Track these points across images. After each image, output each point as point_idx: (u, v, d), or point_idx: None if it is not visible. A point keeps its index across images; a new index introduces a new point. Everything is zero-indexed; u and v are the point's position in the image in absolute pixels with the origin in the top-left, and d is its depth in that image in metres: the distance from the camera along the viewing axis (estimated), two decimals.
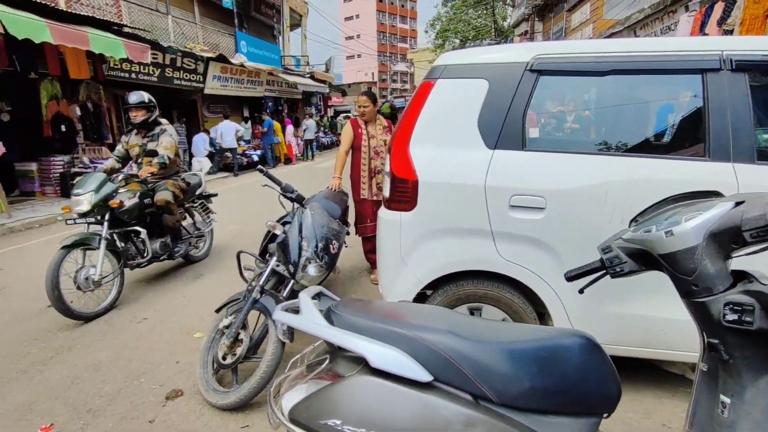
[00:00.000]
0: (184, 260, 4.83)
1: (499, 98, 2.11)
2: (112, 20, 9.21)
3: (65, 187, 8.69)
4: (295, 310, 1.49)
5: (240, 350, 2.44)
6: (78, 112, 9.30)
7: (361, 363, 1.24)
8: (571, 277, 1.45)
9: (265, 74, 15.79)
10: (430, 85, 2.22)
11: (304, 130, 16.91)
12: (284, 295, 2.67)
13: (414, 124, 2.25)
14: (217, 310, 2.74)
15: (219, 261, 5.01)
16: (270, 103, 17.47)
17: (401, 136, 2.27)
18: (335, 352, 1.31)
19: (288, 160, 15.98)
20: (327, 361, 1.29)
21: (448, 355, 1.17)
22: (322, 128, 22.26)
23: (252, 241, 5.67)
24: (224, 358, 2.47)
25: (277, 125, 14.81)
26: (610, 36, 12.47)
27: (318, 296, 1.49)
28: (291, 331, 2.42)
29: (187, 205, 4.74)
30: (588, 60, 2.05)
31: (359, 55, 59.18)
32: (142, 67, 10.03)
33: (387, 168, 2.35)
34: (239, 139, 13.15)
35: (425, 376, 1.15)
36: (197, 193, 4.83)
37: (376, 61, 61.81)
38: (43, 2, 7.13)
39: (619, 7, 12.81)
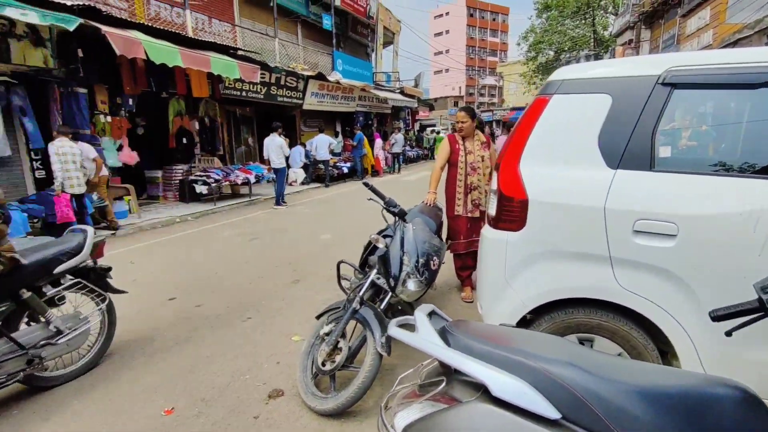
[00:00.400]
0: (26, 385, 2.79)
1: (624, 114, 1.96)
2: (229, 45, 10.24)
3: (183, 193, 9.78)
4: (403, 324, 1.50)
5: (339, 358, 2.51)
6: (197, 126, 10.46)
7: (480, 390, 1.20)
8: (718, 317, 1.29)
9: (358, 90, 16.45)
10: (545, 100, 2.14)
11: (393, 144, 17.27)
12: (381, 307, 2.71)
13: (525, 141, 2.17)
14: (318, 317, 2.86)
15: (314, 266, 5.24)
16: (361, 118, 18.14)
17: (511, 154, 2.20)
18: (451, 374, 1.29)
19: (375, 173, 16.40)
20: (443, 384, 1.26)
21: (578, 392, 1.08)
22: (408, 142, 22.58)
23: (343, 251, 5.88)
24: (323, 365, 2.55)
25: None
26: (735, 43, 11.11)
27: (430, 315, 1.48)
28: (389, 345, 2.45)
29: (26, 297, 2.68)
30: (735, 71, 1.82)
31: (447, 70, 59.34)
32: (251, 85, 11.01)
33: (494, 186, 2.29)
34: (331, 151, 13.82)
35: (553, 413, 1.07)
36: (65, 268, 2.84)
37: (464, 76, 61.49)
38: (176, 31, 8.16)
39: (748, 10, 11.38)
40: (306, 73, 13.01)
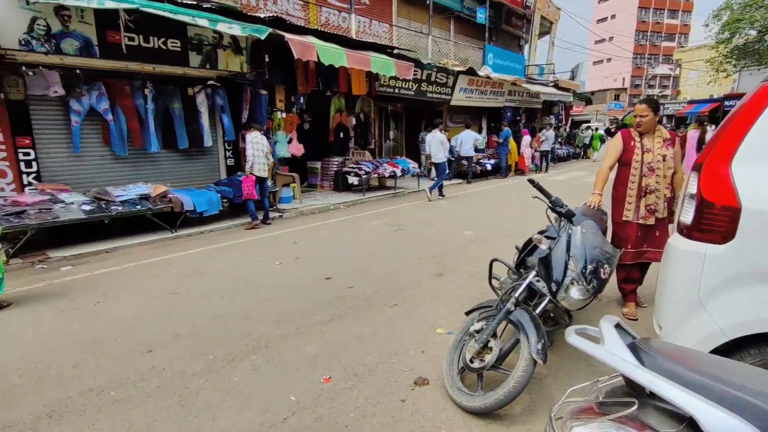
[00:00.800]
0: None
1: None
2: (386, 44, 10.79)
3: (337, 183, 10.69)
4: (580, 333, 1.38)
5: (489, 358, 2.45)
6: (353, 122, 11.31)
7: (683, 422, 1.04)
8: None
9: (508, 84, 15.84)
10: None
11: (542, 141, 16.22)
12: (537, 312, 2.56)
13: (741, 137, 1.80)
14: (467, 313, 2.84)
15: (457, 261, 5.23)
16: (509, 113, 17.44)
17: (720, 153, 1.85)
18: (643, 397, 1.14)
19: (520, 171, 15.63)
20: (634, 407, 1.13)
21: None
22: (558, 139, 20.96)
23: (485, 248, 5.75)
24: (471, 362, 2.52)
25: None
26: None
27: (615, 327, 1.34)
28: (545, 352, 2.31)
29: None
30: None
31: (609, 59, 53.26)
32: (403, 82, 11.44)
33: (692, 189, 1.97)
34: (476, 148, 13.60)
35: None
36: None
37: (630, 65, 54.45)
38: (342, 34, 8.90)
39: None
40: (456, 69, 13.00)
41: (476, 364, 2.50)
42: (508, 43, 19.16)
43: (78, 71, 6.41)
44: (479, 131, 16.96)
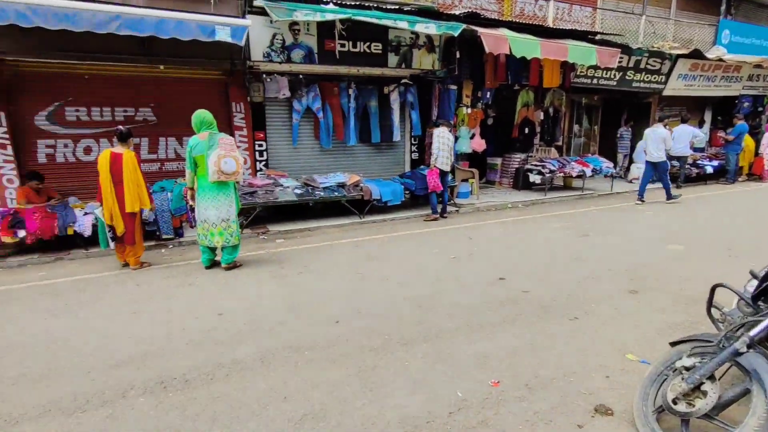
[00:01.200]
0: None
1: None
2: (587, 30, 9.76)
3: (517, 180, 10.23)
4: None
5: (701, 404, 2.02)
6: (540, 116, 10.63)
7: None
8: None
9: (749, 67, 12.58)
10: None
11: None
12: None
13: None
14: (673, 344, 2.40)
15: (657, 279, 4.47)
16: (746, 104, 13.89)
17: None
18: None
19: (755, 177, 12.35)
20: None
21: None
22: None
23: (697, 268, 4.78)
24: (675, 402, 2.11)
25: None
26: None
27: None
28: None
29: None
30: None
31: None
32: (603, 72, 10.20)
33: None
34: (692, 146, 11.24)
35: None
36: None
37: None
38: (537, 24, 8.41)
39: None
40: (675, 52, 10.94)
41: (681, 408, 2.08)
42: (752, 15, 15.18)
43: (301, 76, 7.67)
44: (699, 126, 13.99)
